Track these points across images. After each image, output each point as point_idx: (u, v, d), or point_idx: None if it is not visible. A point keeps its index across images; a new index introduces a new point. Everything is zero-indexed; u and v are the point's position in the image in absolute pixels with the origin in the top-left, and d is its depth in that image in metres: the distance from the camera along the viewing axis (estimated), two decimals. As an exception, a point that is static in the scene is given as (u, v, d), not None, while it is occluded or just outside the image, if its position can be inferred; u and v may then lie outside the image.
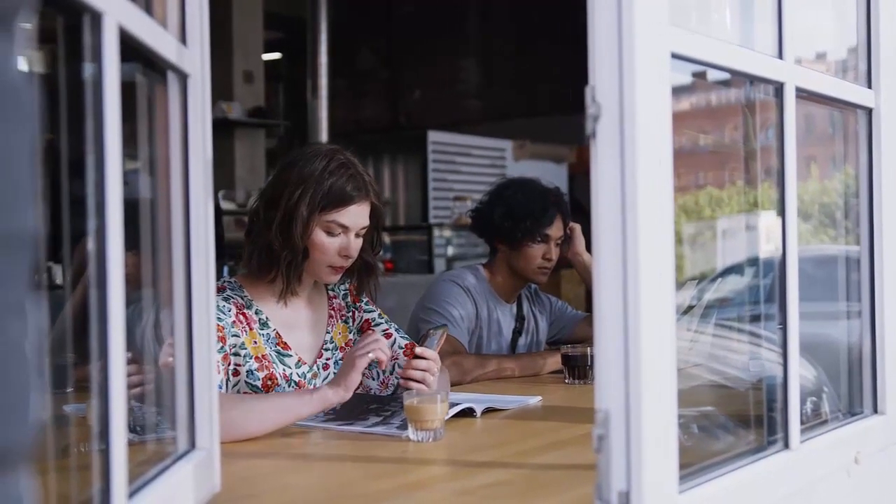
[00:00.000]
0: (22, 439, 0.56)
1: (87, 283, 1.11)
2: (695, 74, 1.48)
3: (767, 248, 1.97)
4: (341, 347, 2.38)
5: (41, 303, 0.59)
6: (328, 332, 2.37)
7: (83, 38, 1.02)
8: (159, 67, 1.32)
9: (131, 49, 1.13)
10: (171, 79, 1.35)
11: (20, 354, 0.56)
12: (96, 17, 1.01)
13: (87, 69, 1.03)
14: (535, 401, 2.38)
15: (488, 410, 2.20)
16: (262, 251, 2.22)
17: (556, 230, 3.05)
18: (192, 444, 1.39)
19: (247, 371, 2.17)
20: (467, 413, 2.13)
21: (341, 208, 2.21)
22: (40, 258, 0.61)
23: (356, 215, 2.23)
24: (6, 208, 0.55)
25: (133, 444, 1.16)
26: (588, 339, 3.04)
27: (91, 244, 1.03)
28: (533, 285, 3.23)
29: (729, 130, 2.10)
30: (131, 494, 1.10)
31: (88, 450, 1.50)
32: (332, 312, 2.40)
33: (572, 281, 6.78)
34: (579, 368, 2.68)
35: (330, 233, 2.21)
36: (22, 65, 0.58)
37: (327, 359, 2.35)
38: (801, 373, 1.59)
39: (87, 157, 1.04)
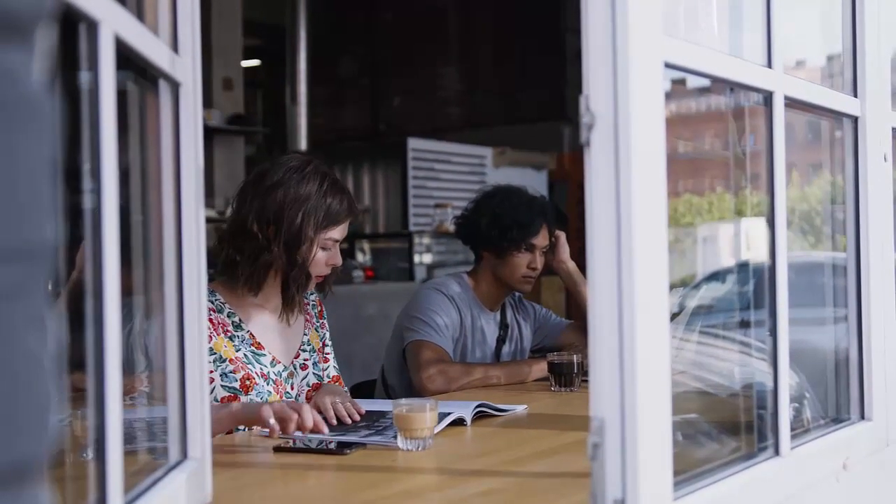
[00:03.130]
0: (42, 451, 0.56)
1: (71, 289, 1.10)
2: (674, 81, 1.49)
3: (749, 255, 1.98)
4: (318, 350, 2.47)
5: (58, 314, 0.59)
6: (305, 334, 2.45)
7: (79, 46, 1.02)
8: (151, 76, 1.31)
9: (124, 57, 1.12)
10: (163, 87, 1.35)
11: (40, 366, 0.56)
12: (92, 26, 1.00)
13: (83, 77, 1.03)
14: (521, 409, 2.38)
15: (479, 414, 2.21)
16: (262, 269, 2.28)
17: (541, 240, 3.06)
18: (185, 455, 1.38)
19: (221, 374, 2.21)
20: (457, 422, 2.13)
21: (339, 225, 2.33)
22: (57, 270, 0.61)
23: (345, 228, 2.36)
24: (27, 220, 0.55)
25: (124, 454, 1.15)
26: (572, 346, 3.04)
27: (87, 252, 1.02)
28: (517, 293, 3.23)
29: (709, 138, 2.11)
30: (126, 506, 1.09)
31: (78, 460, 1.49)
32: (308, 317, 2.48)
33: (552, 288, 6.79)
34: (565, 376, 2.68)
35: (324, 248, 2.32)
36: (41, 76, 0.57)
37: (305, 359, 2.43)
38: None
39: (81, 166, 1.03)
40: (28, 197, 0.55)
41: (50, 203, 0.57)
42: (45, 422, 0.56)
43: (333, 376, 2.48)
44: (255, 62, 10.19)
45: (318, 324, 2.52)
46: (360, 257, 7.55)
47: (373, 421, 2.15)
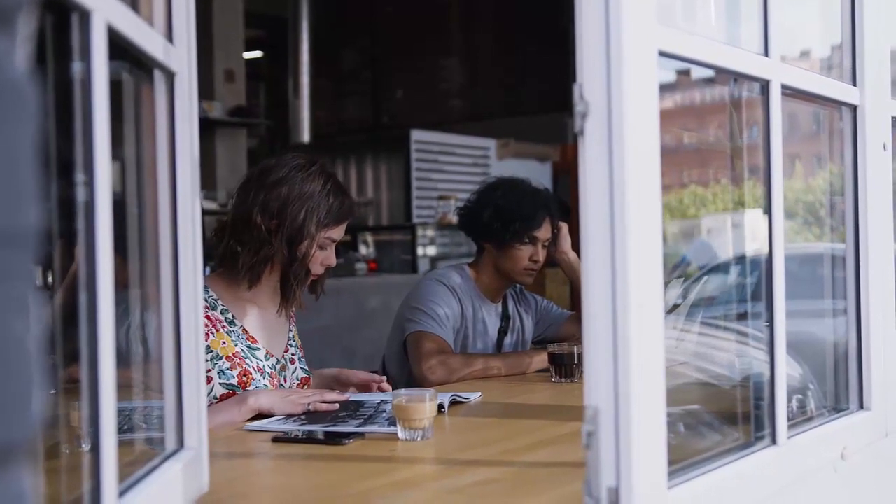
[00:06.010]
0: (25, 435, 0.56)
1: (70, 283, 1.11)
2: (679, 72, 1.49)
3: (752, 247, 1.98)
4: (300, 346, 2.52)
5: (42, 299, 0.59)
6: (291, 330, 2.50)
7: (71, 35, 1.02)
8: (146, 66, 1.31)
9: (118, 47, 1.12)
10: (158, 77, 1.35)
11: (23, 350, 0.56)
12: (85, 15, 1.00)
13: (75, 67, 1.03)
14: (475, 396, 2.41)
15: (454, 403, 2.27)
16: (263, 262, 2.31)
17: (544, 232, 3.05)
18: (181, 444, 1.38)
19: (219, 372, 2.23)
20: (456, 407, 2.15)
21: (338, 225, 2.36)
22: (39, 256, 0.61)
23: (343, 229, 2.40)
24: (11, 205, 0.55)
25: (120, 444, 1.15)
26: (574, 338, 3.04)
27: (80, 245, 1.02)
28: (518, 284, 3.23)
29: (713, 128, 2.11)
30: (121, 494, 1.10)
31: (75, 450, 1.49)
32: (292, 315, 2.53)
33: (556, 280, 6.79)
34: (566, 367, 2.68)
35: (321, 247, 2.35)
36: (23, 63, 0.58)
37: (292, 354, 2.48)
38: (786, 370, 1.59)
39: (74, 157, 1.03)
40: (10, 183, 0.55)
41: (32, 189, 0.58)
42: (28, 406, 0.57)
43: (302, 378, 2.49)
44: (257, 54, 10.19)
45: (296, 322, 2.57)
46: (363, 250, 7.56)
47: (353, 411, 2.15)
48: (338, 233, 2.37)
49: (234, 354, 2.27)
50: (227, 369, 2.25)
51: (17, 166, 0.55)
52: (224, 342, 2.28)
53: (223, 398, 2.22)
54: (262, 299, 2.40)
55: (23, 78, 0.57)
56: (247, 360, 2.29)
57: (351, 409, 2.17)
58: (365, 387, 2.46)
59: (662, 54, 1.26)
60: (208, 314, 2.27)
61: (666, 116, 1.31)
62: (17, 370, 0.56)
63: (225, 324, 2.30)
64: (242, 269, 2.30)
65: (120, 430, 1.14)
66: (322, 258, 2.36)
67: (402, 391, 1.98)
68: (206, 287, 2.31)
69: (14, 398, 0.56)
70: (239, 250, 2.30)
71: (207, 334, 2.23)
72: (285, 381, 2.39)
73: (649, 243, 1.21)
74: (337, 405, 2.17)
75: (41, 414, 0.58)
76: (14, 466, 0.55)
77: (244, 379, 2.26)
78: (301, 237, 2.29)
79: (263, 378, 2.30)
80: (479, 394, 2.44)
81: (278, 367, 2.39)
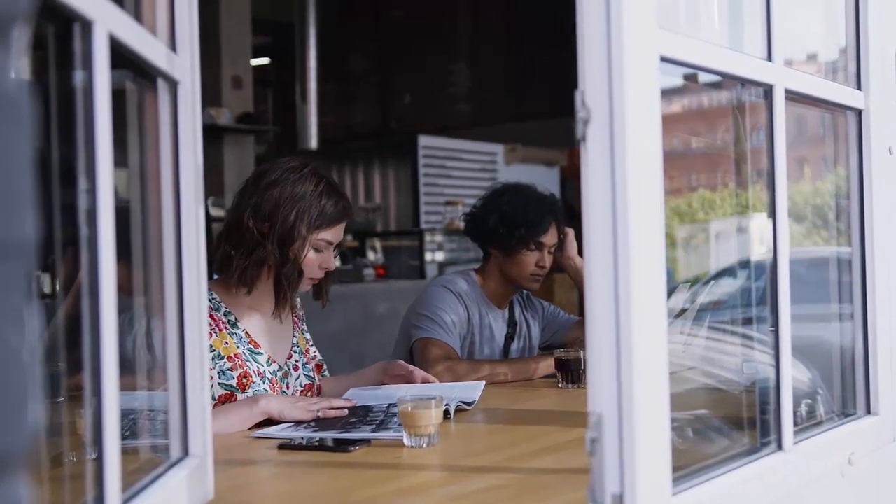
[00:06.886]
0: (21, 445, 0.56)
1: (76, 291, 1.11)
2: (686, 77, 1.49)
3: (760, 251, 1.98)
4: (304, 353, 2.51)
5: (38, 310, 0.60)
6: (294, 337, 2.49)
7: (73, 45, 1.02)
8: (149, 75, 1.32)
9: (121, 56, 1.13)
10: (161, 86, 1.35)
11: (18, 361, 0.56)
12: (87, 25, 1.01)
13: (78, 76, 1.03)
14: (479, 387, 2.44)
15: (459, 410, 2.25)
16: (256, 265, 2.31)
17: (550, 238, 3.05)
18: (186, 452, 1.38)
19: (219, 372, 2.24)
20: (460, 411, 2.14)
21: (332, 227, 2.35)
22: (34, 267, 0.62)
23: (341, 232, 2.39)
24: (5, 216, 0.55)
25: (125, 452, 1.15)
26: (580, 343, 3.04)
27: (83, 253, 1.03)
28: (525, 290, 3.23)
29: (721, 132, 2.11)
30: (125, 502, 1.10)
31: (80, 459, 1.50)
32: (296, 320, 2.53)
33: (565, 285, 6.78)
34: (572, 372, 2.68)
35: (317, 249, 2.35)
36: (18, 73, 0.58)
37: (296, 361, 2.47)
38: (795, 375, 1.59)
39: (77, 165, 1.03)
40: (6, 194, 0.55)
41: (29, 200, 0.58)
42: (23, 415, 0.57)
43: (306, 384, 2.49)
44: (264, 60, 10.20)
45: (303, 327, 2.57)
46: (371, 255, 7.55)
47: (363, 416, 2.15)
48: (332, 235, 2.36)
49: (235, 355, 2.28)
50: (228, 370, 2.25)
51: (13, 177, 0.55)
52: (226, 342, 2.28)
53: (222, 399, 2.23)
54: (264, 305, 2.39)
55: (18, 89, 0.57)
56: (247, 363, 2.29)
57: (360, 415, 2.16)
58: (407, 378, 2.49)
59: (664, 59, 1.26)
60: (212, 314, 2.28)
61: (674, 120, 1.31)
62: (13, 381, 0.56)
63: (228, 325, 2.31)
64: (235, 272, 2.29)
65: (123, 436, 1.14)
66: (320, 261, 2.35)
67: (408, 397, 1.97)
68: (209, 290, 2.32)
69: (10, 408, 0.56)
70: (232, 254, 2.30)
71: (210, 333, 2.24)
72: (288, 388, 2.39)
73: (652, 249, 1.21)
74: (346, 412, 2.17)
75: (37, 424, 0.58)
76: (10, 476, 0.55)
77: (244, 381, 2.26)
78: (292, 238, 2.29)
79: (263, 382, 2.30)
80: (483, 383, 2.46)
81: (280, 373, 2.38)
